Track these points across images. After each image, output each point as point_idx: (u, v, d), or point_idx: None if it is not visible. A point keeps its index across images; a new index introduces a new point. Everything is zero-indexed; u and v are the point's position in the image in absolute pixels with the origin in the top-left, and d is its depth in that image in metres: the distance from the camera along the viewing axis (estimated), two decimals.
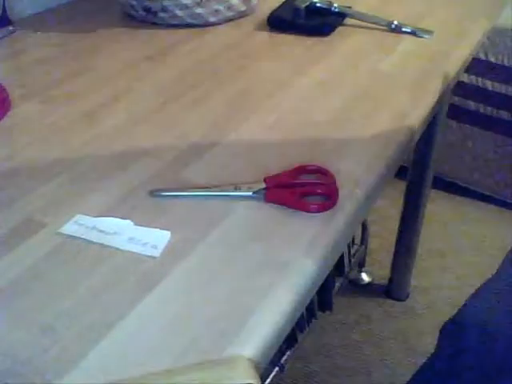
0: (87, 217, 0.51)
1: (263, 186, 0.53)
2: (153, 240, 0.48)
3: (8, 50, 0.86)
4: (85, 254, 0.47)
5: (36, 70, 0.79)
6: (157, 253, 0.47)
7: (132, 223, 0.50)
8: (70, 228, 0.50)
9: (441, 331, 0.70)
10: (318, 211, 0.51)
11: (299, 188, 0.53)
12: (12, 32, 0.90)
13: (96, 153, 0.60)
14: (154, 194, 0.53)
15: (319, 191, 0.53)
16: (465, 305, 0.69)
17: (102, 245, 0.48)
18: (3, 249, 0.47)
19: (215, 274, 0.45)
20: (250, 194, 0.52)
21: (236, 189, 0.53)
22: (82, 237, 0.49)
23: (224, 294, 0.43)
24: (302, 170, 0.56)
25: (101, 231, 0.49)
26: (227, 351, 0.38)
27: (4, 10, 0.89)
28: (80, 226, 0.50)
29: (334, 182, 0.54)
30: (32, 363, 0.38)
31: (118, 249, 0.47)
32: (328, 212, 0.51)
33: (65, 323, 0.41)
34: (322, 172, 0.56)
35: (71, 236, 0.49)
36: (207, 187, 0.54)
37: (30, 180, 0.56)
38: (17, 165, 0.59)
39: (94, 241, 0.48)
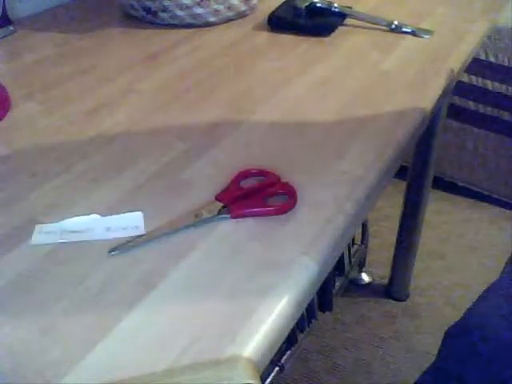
0: (48, 224, 0.50)
1: (220, 204, 0.51)
2: (130, 223, 0.49)
3: (8, 49, 0.86)
4: (85, 253, 0.47)
5: (36, 69, 0.79)
6: (141, 231, 0.48)
7: (98, 216, 0.51)
8: (38, 238, 0.48)
9: (445, 334, 0.70)
10: (283, 212, 0.50)
11: (257, 195, 0.52)
12: (12, 32, 0.90)
13: (96, 153, 0.60)
14: (111, 254, 0.47)
15: (280, 191, 0.53)
16: (469, 309, 0.69)
17: (90, 242, 0.48)
18: (3, 249, 0.47)
19: (215, 274, 0.45)
20: (215, 217, 0.50)
21: (197, 216, 0.50)
22: (59, 241, 0.48)
23: (224, 294, 0.43)
24: (245, 174, 0.55)
25: (73, 231, 0.49)
26: (227, 351, 0.38)
27: (4, 10, 0.89)
28: (48, 234, 0.49)
29: (280, 181, 0.54)
30: (32, 363, 0.38)
31: (104, 240, 0.48)
32: (328, 212, 0.51)
33: (65, 323, 0.41)
34: (264, 174, 0.55)
35: (45, 245, 0.48)
36: (168, 229, 0.49)
37: (30, 180, 0.56)
38: (17, 165, 0.59)
39: (73, 241, 0.48)
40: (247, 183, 0.55)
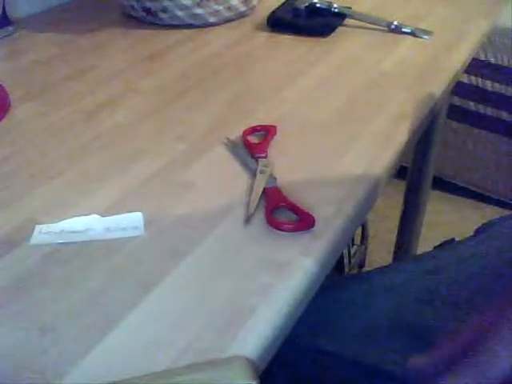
0: (48, 224, 0.50)
1: (266, 159, 0.57)
2: (129, 223, 0.49)
3: (8, 50, 0.86)
4: (85, 253, 0.47)
5: (36, 70, 0.79)
6: (140, 232, 0.48)
7: (98, 216, 0.50)
8: (38, 239, 0.48)
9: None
10: (287, 231, 0.49)
11: (279, 203, 0.51)
12: (12, 32, 0.90)
13: (95, 153, 0.60)
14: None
15: (294, 213, 0.51)
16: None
17: (89, 242, 0.48)
18: (3, 249, 0.47)
19: (215, 274, 0.45)
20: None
21: (262, 172, 0.55)
22: (59, 241, 0.48)
23: (224, 294, 0.43)
24: (251, 130, 0.63)
25: (73, 232, 0.49)
26: (227, 351, 0.38)
27: (4, 10, 0.89)
28: (47, 234, 0.49)
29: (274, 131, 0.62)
30: (32, 363, 0.38)
31: (103, 240, 0.48)
32: (328, 212, 0.51)
33: (65, 323, 0.41)
34: (266, 129, 0.63)
35: (45, 245, 0.48)
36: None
37: (29, 180, 0.56)
38: (17, 165, 0.59)
39: (73, 241, 0.48)
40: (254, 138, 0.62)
